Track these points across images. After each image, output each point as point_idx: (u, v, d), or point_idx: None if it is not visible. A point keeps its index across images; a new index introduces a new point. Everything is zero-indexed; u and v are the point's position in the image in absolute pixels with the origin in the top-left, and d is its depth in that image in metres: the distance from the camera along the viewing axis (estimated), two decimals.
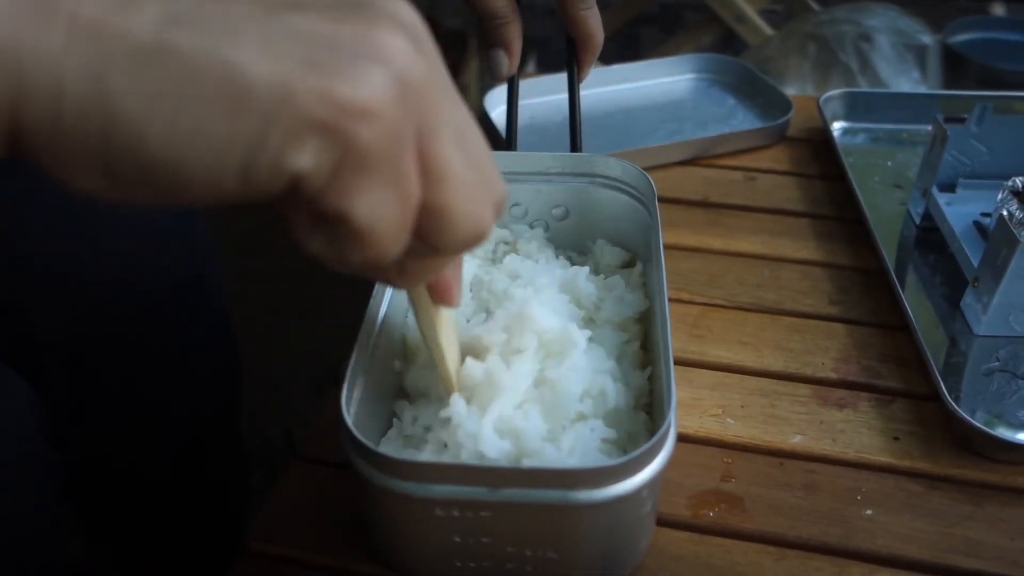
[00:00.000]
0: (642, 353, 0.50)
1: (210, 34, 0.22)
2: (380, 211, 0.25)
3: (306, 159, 0.23)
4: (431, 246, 0.28)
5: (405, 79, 0.24)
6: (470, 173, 0.27)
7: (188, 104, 0.22)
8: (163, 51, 0.22)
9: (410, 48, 0.25)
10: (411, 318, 0.50)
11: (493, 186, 0.29)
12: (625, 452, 0.43)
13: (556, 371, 0.43)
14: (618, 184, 0.56)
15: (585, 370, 0.44)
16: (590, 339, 0.46)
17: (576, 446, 0.41)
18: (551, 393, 0.42)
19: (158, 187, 0.23)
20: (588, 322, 0.50)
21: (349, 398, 0.39)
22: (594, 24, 0.57)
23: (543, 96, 0.86)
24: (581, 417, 0.43)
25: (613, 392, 0.44)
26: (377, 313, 0.45)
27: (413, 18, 0.26)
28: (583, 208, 0.57)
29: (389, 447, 0.43)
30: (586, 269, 0.52)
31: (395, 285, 0.37)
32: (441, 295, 0.37)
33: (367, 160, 0.24)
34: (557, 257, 0.56)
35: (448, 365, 0.41)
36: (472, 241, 0.28)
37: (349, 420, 0.38)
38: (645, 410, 0.46)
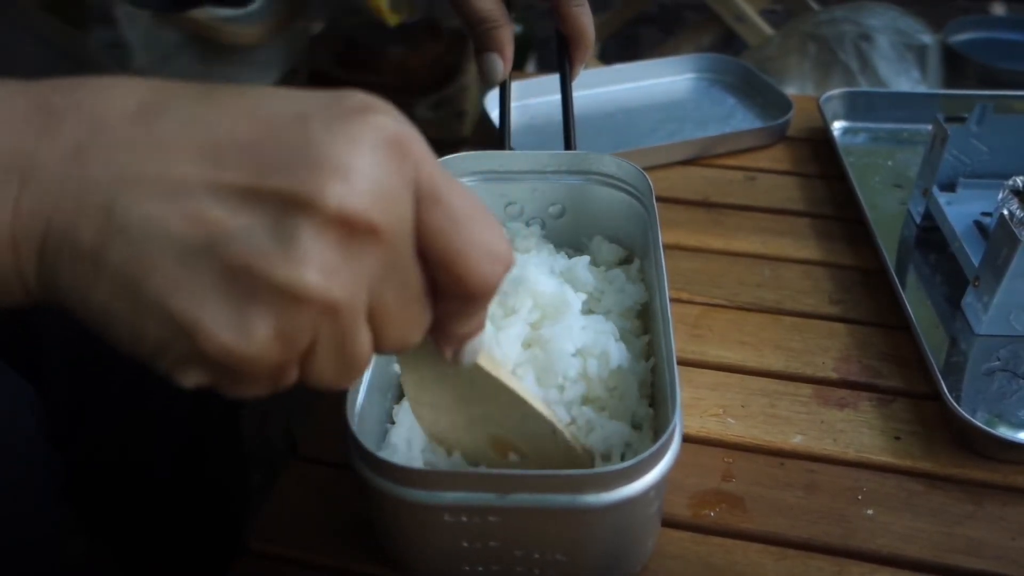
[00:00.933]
0: (646, 348, 0.50)
1: (134, 257, 0.25)
2: (251, 394, 0.28)
3: (190, 379, 0.27)
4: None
5: (296, 328, 0.26)
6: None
7: (107, 301, 0.25)
8: (92, 256, 0.25)
9: (336, 260, 0.25)
10: None
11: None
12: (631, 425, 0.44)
13: (550, 330, 0.43)
14: (614, 181, 0.56)
15: (582, 330, 0.44)
16: (590, 311, 0.47)
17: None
18: (543, 353, 0.42)
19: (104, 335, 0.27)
20: (589, 313, 0.50)
21: (353, 406, 0.39)
22: (586, 21, 0.57)
23: (543, 96, 0.86)
24: (583, 376, 0.43)
25: (616, 352, 0.44)
26: None
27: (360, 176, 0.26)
28: (579, 206, 0.57)
29: (391, 453, 0.43)
30: (586, 258, 0.52)
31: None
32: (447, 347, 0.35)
33: (240, 389, 0.28)
34: (555, 254, 0.56)
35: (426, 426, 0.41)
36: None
37: (355, 429, 0.38)
38: (648, 402, 0.46)
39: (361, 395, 0.41)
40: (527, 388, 0.38)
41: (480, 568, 0.41)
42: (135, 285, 0.25)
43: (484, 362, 0.35)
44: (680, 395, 0.39)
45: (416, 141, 0.27)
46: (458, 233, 0.28)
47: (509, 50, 0.55)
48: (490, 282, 0.29)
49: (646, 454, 0.36)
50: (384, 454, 0.38)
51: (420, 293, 0.29)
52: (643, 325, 0.51)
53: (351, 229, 0.25)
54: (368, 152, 0.26)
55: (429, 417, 0.41)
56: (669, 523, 0.47)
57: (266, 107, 0.26)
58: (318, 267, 0.25)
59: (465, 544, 0.39)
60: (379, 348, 0.29)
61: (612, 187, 0.56)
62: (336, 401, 0.39)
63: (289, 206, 0.25)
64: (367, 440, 0.37)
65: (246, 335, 0.25)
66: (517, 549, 0.39)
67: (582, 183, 0.56)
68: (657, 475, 0.37)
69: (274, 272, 0.25)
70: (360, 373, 0.29)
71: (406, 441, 0.43)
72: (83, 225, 0.24)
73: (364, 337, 0.28)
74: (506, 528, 0.38)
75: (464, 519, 0.37)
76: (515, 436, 0.40)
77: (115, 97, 0.26)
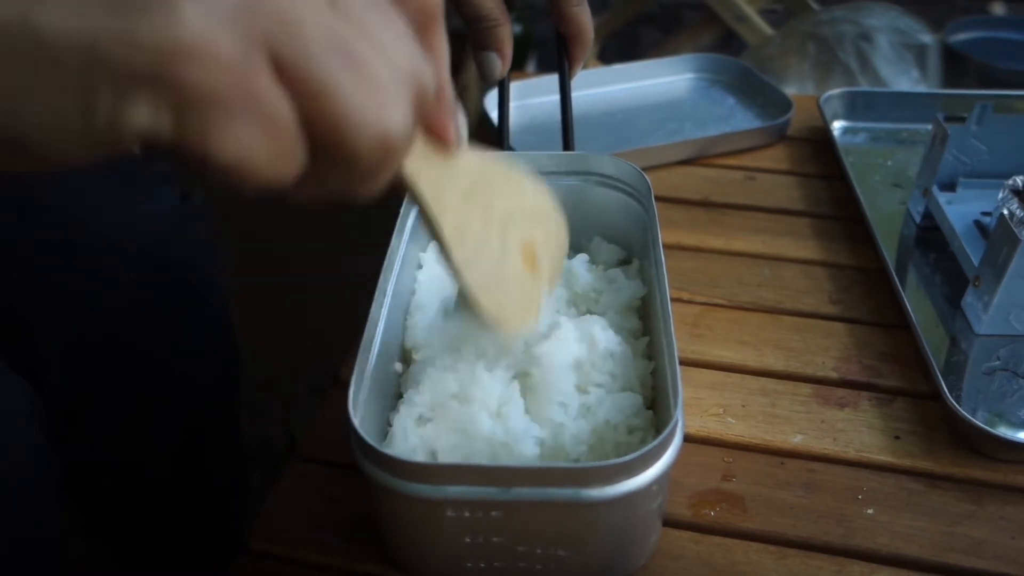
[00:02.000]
0: (646, 348, 0.50)
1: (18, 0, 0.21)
2: (243, 146, 0.23)
3: (141, 115, 0.22)
4: (337, 161, 0.25)
5: (239, 7, 0.22)
6: (354, 72, 0.24)
7: (8, 78, 0.21)
8: None
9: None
10: (410, 321, 0.50)
11: (399, 72, 0.25)
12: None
13: (542, 348, 0.43)
14: (613, 182, 0.56)
15: (577, 341, 0.45)
16: (588, 311, 0.49)
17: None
18: (539, 371, 0.43)
19: (16, 156, 0.23)
20: (587, 314, 0.51)
21: (355, 401, 0.39)
22: (585, 21, 0.57)
23: (543, 96, 0.86)
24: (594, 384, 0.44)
25: (604, 337, 0.45)
26: (379, 316, 0.45)
27: None
28: (579, 206, 0.57)
29: (393, 449, 0.43)
30: (584, 256, 0.53)
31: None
32: (437, 138, 0.32)
33: (208, 102, 0.22)
34: None
35: (454, 254, 0.35)
36: (380, 145, 0.25)
37: (356, 423, 0.38)
38: (648, 405, 0.46)
39: (363, 392, 0.41)
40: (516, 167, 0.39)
41: (483, 565, 0.41)
42: (25, 27, 0.21)
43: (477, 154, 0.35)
44: (682, 389, 0.39)
45: None
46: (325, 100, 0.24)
47: (508, 48, 0.55)
48: (371, 157, 0.25)
49: (648, 447, 0.36)
50: (389, 451, 0.38)
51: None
52: (644, 326, 0.51)
53: None
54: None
55: (471, 268, 0.36)
56: (669, 522, 0.47)
57: None
58: None
59: (467, 540, 0.39)
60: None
61: (611, 188, 0.56)
62: (336, 401, 0.39)
63: None
64: (368, 436, 0.37)
65: (170, 15, 0.21)
66: (520, 545, 0.39)
67: (581, 184, 0.56)
68: (660, 469, 0.37)
69: None
70: (277, 152, 0.24)
71: (406, 435, 0.43)
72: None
73: (274, 95, 0.23)
74: (509, 523, 0.38)
75: (467, 514, 0.37)
76: (532, 226, 0.40)
77: None
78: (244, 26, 0.22)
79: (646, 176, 0.53)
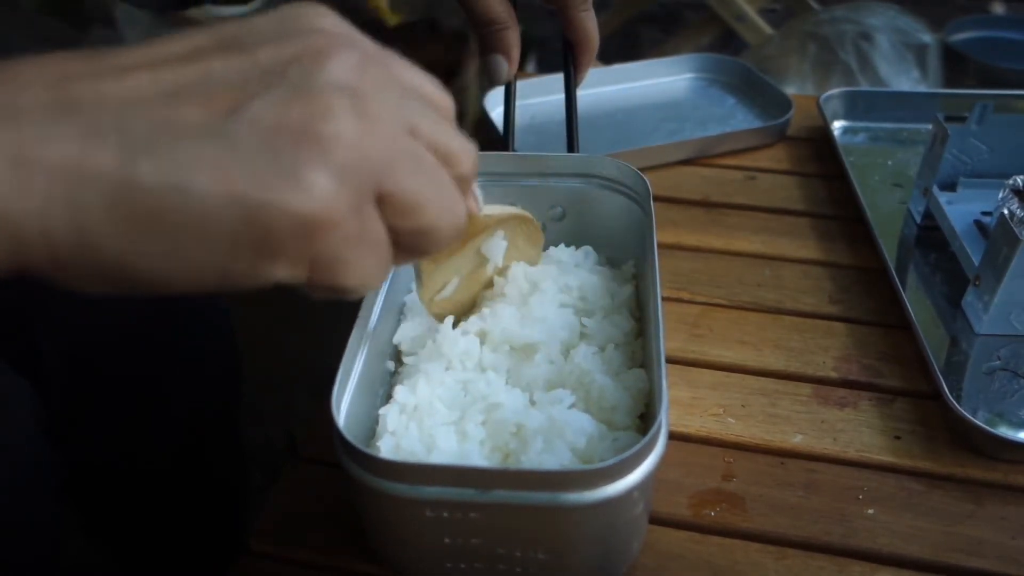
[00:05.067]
0: (640, 353, 0.50)
1: (166, 161, 0.23)
2: (364, 273, 0.27)
3: (281, 271, 0.26)
4: (419, 255, 0.30)
5: (352, 162, 0.25)
6: (434, 184, 0.29)
7: (159, 236, 0.24)
8: (126, 187, 0.23)
9: (354, 121, 0.26)
10: (403, 320, 0.51)
11: (460, 170, 0.30)
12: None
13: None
14: (615, 184, 0.56)
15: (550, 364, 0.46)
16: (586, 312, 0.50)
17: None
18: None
19: (154, 291, 0.25)
20: (584, 312, 0.51)
21: (339, 400, 0.40)
22: (591, 26, 0.57)
23: (543, 96, 0.86)
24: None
25: (601, 379, 0.45)
26: (369, 316, 0.45)
27: (345, 39, 0.28)
28: (580, 208, 0.57)
29: (379, 449, 0.43)
30: (580, 256, 0.53)
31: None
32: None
33: (337, 255, 0.26)
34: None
35: (425, 290, 0.44)
36: (456, 233, 0.30)
37: (340, 422, 0.38)
38: (639, 414, 0.46)
39: (349, 391, 0.41)
40: (496, 206, 0.42)
41: (463, 565, 0.41)
42: (182, 193, 0.23)
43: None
44: (667, 393, 0.39)
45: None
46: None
47: (516, 52, 0.56)
48: (446, 246, 0.30)
49: (630, 452, 0.36)
50: (371, 450, 0.38)
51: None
52: (640, 328, 0.51)
53: (362, 51, 0.27)
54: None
55: (443, 301, 0.46)
56: (669, 522, 0.47)
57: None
58: (347, 97, 0.26)
59: (447, 540, 0.39)
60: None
61: (613, 190, 0.56)
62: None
63: (291, 64, 0.26)
64: (354, 436, 0.37)
65: (307, 189, 0.24)
66: (499, 547, 0.39)
67: (583, 186, 0.56)
68: (641, 475, 0.37)
69: (305, 117, 0.25)
70: (384, 268, 0.28)
71: (393, 434, 0.43)
72: (97, 158, 0.23)
73: (379, 224, 0.27)
74: (488, 525, 0.38)
75: (445, 514, 0.37)
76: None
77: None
78: (356, 179, 0.26)
79: (646, 179, 0.53)
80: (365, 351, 0.44)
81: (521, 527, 0.38)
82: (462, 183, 0.31)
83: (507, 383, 0.46)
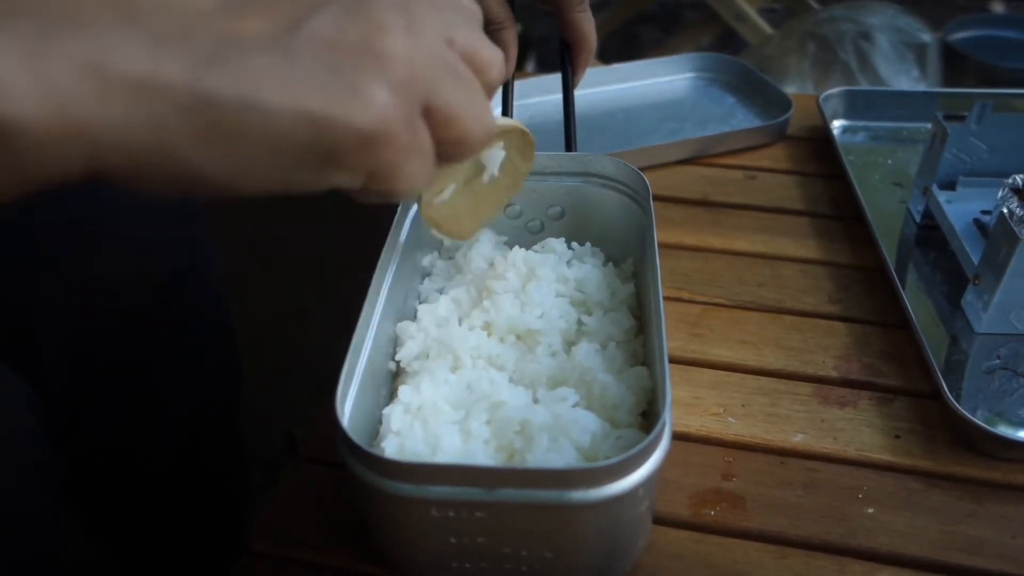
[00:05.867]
0: (641, 351, 0.50)
1: (233, 75, 0.24)
2: (415, 180, 0.29)
3: (341, 179, 0.27)
4: (455, 160, 0.32)
5: (406, 78, 0.27)
6: (470, 94, 0.30)
7: (232, 147, 0.25)
8: (201, 101, 0.24)
9: (405, 38, 0.28)
10: (403, 321, 0.51)
11: (489, 77, 0.32)
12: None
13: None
14: (613, 183, 0.56)
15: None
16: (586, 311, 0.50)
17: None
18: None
19: (219, 194, 0.26)
20: (581, 307, 0.51)
21: (344, 399, 0.39)
22: (588, 27, 0.57)
23: (542, 96, 0.86)
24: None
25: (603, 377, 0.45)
26: (372, 316, 0.45)
27: None
28: (579, 207, 0.57)
29: (383, 449, 0.43)
30: (580, 254, 0.53)
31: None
32: None
33: (393, 165, 0.27)
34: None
35: (425, 192, 0.46)
36: (486, 140, 0.32)
37: (344, 421, 0.38)
38: (641, 411, 0.46)
39: (353, 389, 0.41)
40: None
41: (468, 565, 0.41)
42: (252, 107, 0.24)
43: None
44: (670, 392, 0.39)
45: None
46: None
47: (513, 52, 0.56)
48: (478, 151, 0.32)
49: (635, 450, 0.36)
50: (376, 450, 0.38)
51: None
52: (640, 326, 0.51)
53: None
54: None
55: (438, 209, 0.47)
56: (669, 522, 0.47)
57: None
58: (398, 13, 0.27)
59: (453, 540, 0.39)
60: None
61: (611, 189, 0.56)
62: (334, 401, 0.39)
63: None
64: (358, 436, 0.37)
65: (370, 105, 0.26)
66: (505, 546, 0.39)
67: (582, 185, 0.56)
68: (646, 472, 0.37)
69: (362, 34, 0.27)
70: (429, 172, 0.30)
71: (397, 433, 0.43)
72: (170, 72, 0.24)
73: (426, 134, 0.29)
74: (493, 524, 0.38)
75: (451, 514, 0.37)
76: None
77: None
78: (409, 94, 0.27)
79: (646, 178, 0.53)
80: (368, 350, 0.44)
81: (527, 526, 0.38)
82: (488, 90, 0.32)
83: (510, 381, 0.46)
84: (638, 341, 0.50)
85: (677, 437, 0.51)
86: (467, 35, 0.31)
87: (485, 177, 0.49)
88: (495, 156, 0.49)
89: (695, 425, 0.52)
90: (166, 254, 0.62)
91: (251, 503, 0.82)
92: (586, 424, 0.42)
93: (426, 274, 0.55)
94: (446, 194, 0.48)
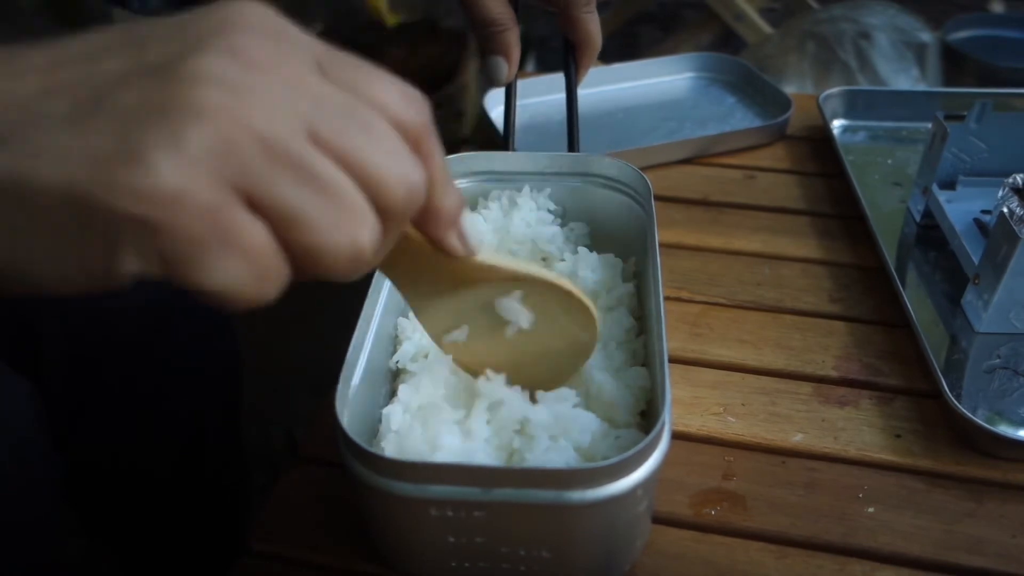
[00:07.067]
0: (642, 350, 0.50)
1: (17, 154, 0.23)
2: (229, 276, 0.24)
3: (131, 262, 0.23)
4: (317, 275, 0.27)
5: (213, 151, 0.23)
6: (325, 201, 0.25)
7: (8, 231, 0.23)
8: None
9: (216, 101, 0.23)
10: (403, 321, 0.50)
11: (385, 201, 0.27)
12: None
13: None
14: (615, 184, 0.56)
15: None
16: None
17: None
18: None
19: (21, 289, 0.24)
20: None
21: (343, 399, 0.39)
22: (594, 28, 0.57)
23: (543, 96, 0.86)
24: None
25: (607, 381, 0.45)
26: (372, 315, 0.45)
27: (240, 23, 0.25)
28: (580, 207, 0.57)
29: (382, 448, 0.43)
30: (580, 254, 0.53)
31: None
32: (439, 248, 0.34)
33: (189, 244, 0.23)
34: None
35: (424, 323, 0.41)
36: (352, 261, 0.26)
37: (344, 421, 0.38)
38: (640, 411, 0.46)
39: (353, 389, 0.41)
40: (522, 263, 0.39)
41: (467, 564, 0.41)
42: (21, 184, 0.22)
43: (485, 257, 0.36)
44: (670, 392, 0.39)
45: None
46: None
47: (515, 53, 0.55)
48: (345, 271, 0.26)
49: (633, 450, 0.36)
50: (375, 449, 0.38)
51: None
52: (640, 326, 0.51)
53: (274, 45, 0.25)
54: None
55: (458, 347, 0.43)
56: (670, 521, 0.47)
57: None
58: (219, 86, 0.24)
59: (451, 539, 0.39)
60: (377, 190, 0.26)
61: (613, 189, 0.56)
62: (334, 401, 0.39)
63: (176, 56, 0.24)
64: (357, 435, 0.37)
65: (146, 173, 0.22)
66: (503, 546, 0.39)
67: (583, 185, 0.56)
68: (645, 473, 0.37)
69: (165, 100, 0.23)
70: (260, 276, 0.25)
71: (397, 433, 0.43)
72: None
73: (250, 226, 0.24)
74: (491, 523, 0.38)
75: (449, 513, 0.37)
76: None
77: None
78: (216, 169, 0.23)
79: (647, 178, 0.53)
80: (368, 350, 0.44)
81: (526, 525, 0.38)
82: (387, 215, 0.27)
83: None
84: (638, 341, 0.50)
85: (677, 437, 0.51)
86: (355, 139, 0.26)
87: (509, 331, 0.42)
88: (511, 308, 0.40)
89: (695, 425, 0.52)
90: None
91: (251, 503, 0.82)
92: (586, 424, 0.42)
93: None
94: (458, 335, 0.42)
